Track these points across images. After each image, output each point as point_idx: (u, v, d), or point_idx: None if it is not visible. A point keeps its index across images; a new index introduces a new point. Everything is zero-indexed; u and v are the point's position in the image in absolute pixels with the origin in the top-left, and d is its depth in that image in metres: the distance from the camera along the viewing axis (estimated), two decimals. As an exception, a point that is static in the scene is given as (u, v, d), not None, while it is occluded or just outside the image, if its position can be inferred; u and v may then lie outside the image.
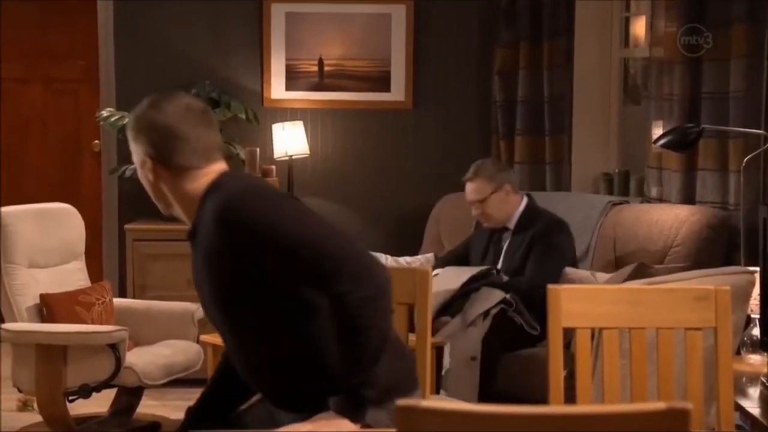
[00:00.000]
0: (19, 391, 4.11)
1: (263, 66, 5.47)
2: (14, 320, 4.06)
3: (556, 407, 1.70)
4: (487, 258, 4.51)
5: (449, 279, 4.30)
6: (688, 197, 4.54)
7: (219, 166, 2.26)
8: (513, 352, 4.18)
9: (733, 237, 4.29)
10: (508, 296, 4.21)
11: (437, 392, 4.04)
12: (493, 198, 4.45)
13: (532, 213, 4.46)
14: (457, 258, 4.62)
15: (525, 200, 4.51)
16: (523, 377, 4.11)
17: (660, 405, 1.34)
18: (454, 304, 4.22)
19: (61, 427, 3.90)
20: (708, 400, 2.37)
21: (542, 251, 4.32)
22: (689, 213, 4.39)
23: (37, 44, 6.13)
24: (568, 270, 4.40)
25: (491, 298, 4.19)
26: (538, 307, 4.20)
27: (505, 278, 4.31)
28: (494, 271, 4.35)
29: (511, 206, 4.47)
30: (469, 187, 4.53)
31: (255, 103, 5.47)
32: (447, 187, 5.13)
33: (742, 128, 4.19)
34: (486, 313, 4.15)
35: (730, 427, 2.21)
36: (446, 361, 4.11)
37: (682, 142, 4.04)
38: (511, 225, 4.47)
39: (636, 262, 4.18)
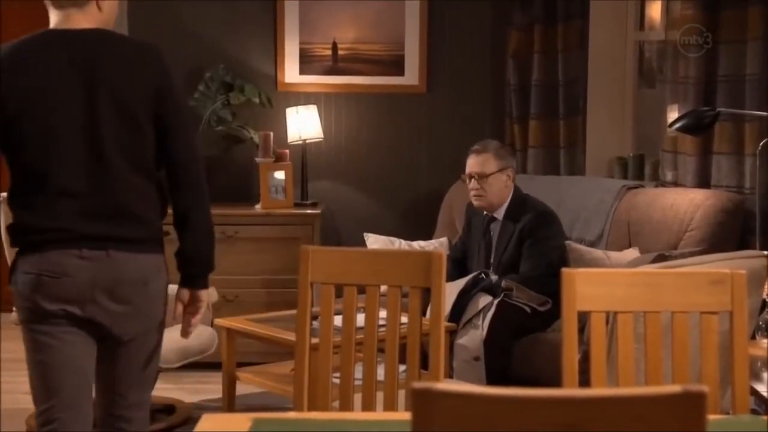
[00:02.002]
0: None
1: (277, 50, 5.46)
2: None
3: (571, 390, 1.70)
4: (480, 254, 4.49)
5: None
6: (703, 181, 4.52)
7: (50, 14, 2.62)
8: (525, 336, 4.19)
9: (749, 221, 4.27)
10: (503, 283, 4.21)
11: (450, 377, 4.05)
12: (495, 178, 4.42)
13: (519, 202, 4.44)
14: (455, 263, 4.54)
15: (512, 189, 4.48)
16: (530, 359, 4.12)
17: (675, 388, 1.33)
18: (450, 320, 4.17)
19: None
20: (723, 384, 2.37)
21: (533, 245, 4.32)
22: (704, 197, 4.37)
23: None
24: (583, 249, 4.40)
25: (480, 301, 4.19)
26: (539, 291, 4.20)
27: (495, 278, 4.29)
28: (483, 275, 4.32)
29: (507, 192, 4.45)
30: (476, 159, 4.48)
31: (269, 87, 5.46)
32: (461, 171, 5.11)
33: (758, 111, 4.16)
34: (483, 315, 4.15)
35: (745, 411, 2.21)
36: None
37: (698, 125, 4.02)
38: (500, 215, 4.45)
39: (655, 253, 4.17)
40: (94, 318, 2.54)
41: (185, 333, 2.69)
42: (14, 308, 2.66)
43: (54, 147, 2.51)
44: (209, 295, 2.70)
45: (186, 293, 2.64)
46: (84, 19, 2.61)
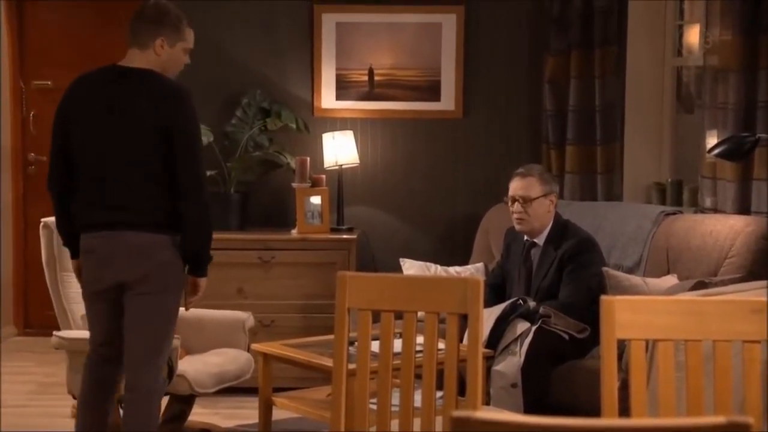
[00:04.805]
0: (74, 398, 4.15)
1: (314, 76, 5.49)
2: (69, 328, 4.12)
3: (610, 420, 1.68)
4: (521, 280, 4.45)
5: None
6: (743, 207, 4.48)
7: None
8: (563, 363, 4.16)
9: (790, 248, 4.22)
10: (540, 309, 4.17)
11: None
12: (539, 202, 4.39)
13: (560, 228, 4.41)
14: (493, 289, 4.52)
15: (553, 214, 4.46)
16: (568, 387, 4.08)
17: (720, 419, 1.32)
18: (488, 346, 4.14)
19: (114, 434, 3.94)
20: (766, 414, 2.33)
21: (573, 270, 4.29)
22: (744, 224, 4.33)
23: (85, 51, 6.21)
24: (621, 276, 4.36)
25: (518, 327, 4.16)
26: (577, 318, 4.17)
27: (533, 304, 4.25)
28: (521, 302, 4.28)
29: (549, 218, 4.42)
30: (520, 182, 4.43)
31: (305, 112, 5.49)
32: (497, 196, 5.11)
33: (798, 137, 4.12)
34: (520, 341, 4.12)
35: (789, 442, 2.17)
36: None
37: (737, 151, 3.98)
38: (541, 241, 4.42)
39: (694, 279, 4.13)
40: (116, 279, 3.33)
41: (185, 305, 3.51)
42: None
43: (88, 159, 3.33)
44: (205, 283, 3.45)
45: (189, 278, 3.44)
46: (142, 60, 3.36)
